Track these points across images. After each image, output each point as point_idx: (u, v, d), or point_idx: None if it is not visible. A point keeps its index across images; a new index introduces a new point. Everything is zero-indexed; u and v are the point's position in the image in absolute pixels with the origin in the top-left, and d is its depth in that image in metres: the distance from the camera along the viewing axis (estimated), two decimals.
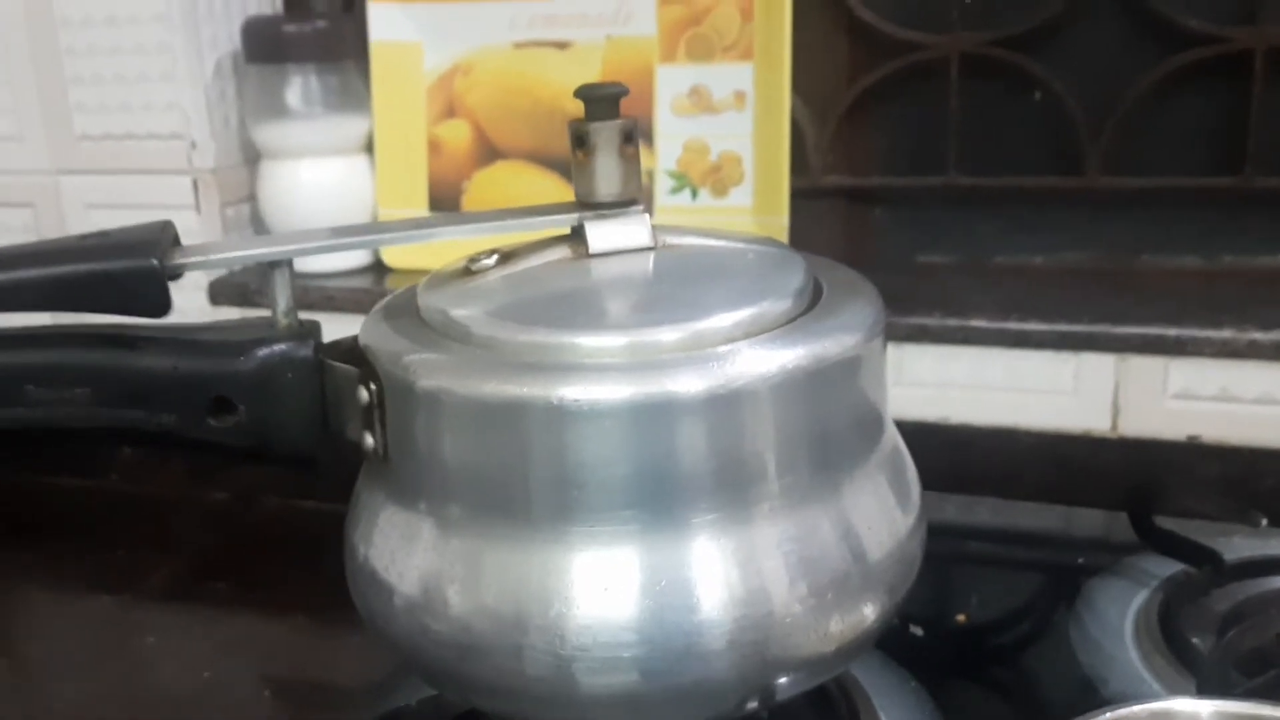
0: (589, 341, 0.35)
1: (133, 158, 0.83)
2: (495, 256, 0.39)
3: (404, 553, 0.37)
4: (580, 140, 0.38)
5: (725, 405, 0.34)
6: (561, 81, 0.81)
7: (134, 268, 0.34)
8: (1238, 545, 0.55)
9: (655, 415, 0.34)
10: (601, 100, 0.37)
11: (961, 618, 0.54)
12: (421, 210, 0.85)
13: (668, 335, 0.35)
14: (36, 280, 0.33)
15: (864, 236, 0.84)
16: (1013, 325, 0.69)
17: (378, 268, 0.83)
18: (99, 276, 0.34)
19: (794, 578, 0.36)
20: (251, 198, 0.85)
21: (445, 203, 0.84)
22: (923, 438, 0.71)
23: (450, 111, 0.83)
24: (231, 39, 0.83)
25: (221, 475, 0.83)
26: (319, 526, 0.77)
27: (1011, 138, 0.78)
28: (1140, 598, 0.53)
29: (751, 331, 0.35)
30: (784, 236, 0.76)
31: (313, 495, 0.80)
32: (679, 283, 0.38)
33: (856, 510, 0.37)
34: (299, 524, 0.79)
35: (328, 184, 0.83)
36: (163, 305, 0.35)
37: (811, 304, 0.37)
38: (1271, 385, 0.64)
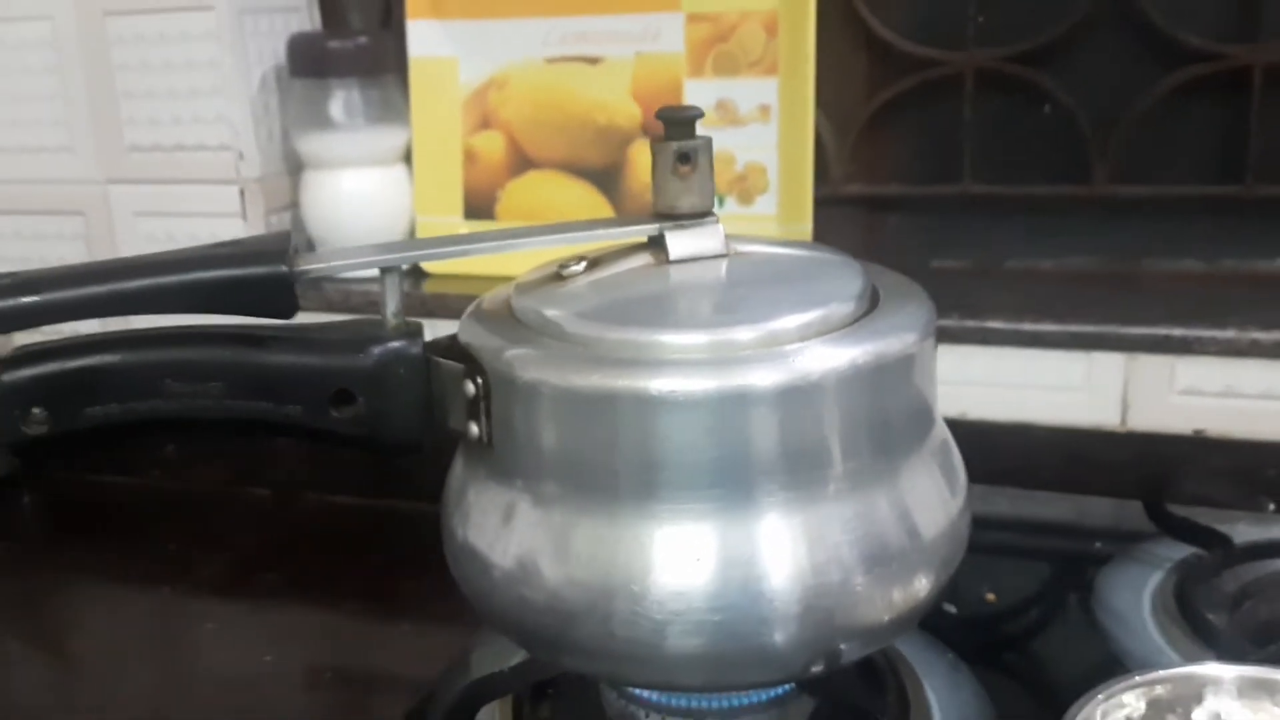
0: (673, 339, 0.39)
1: (182, 168, 0.86)
2: (583, 263, 0.43)
3: (503, 530, 0.41)
4: (685, 157, 0.42)
5: (796, 397, 0.38)
6: (592, 95, 0.85)
7: (267, 274, 0.38)
8: (1245, 530, 0.59)
9: (733, 406, 0.38)
10: (684, 122, 0.41)
11: (991, 597, 0.58)
12: (456, 217, 0.89)
13: (744, 334, 0.39)
14: (178, 286, 0.37)
15: (881, 242, 0.88)
16: (1027, 326, 0.73)
17: (415, 273, 0.87)
18: (234, 282, 0.37)
19: (857, 553, 0.40)
20: (294, 205, 0.89)
21: (480, 210, 0.88)
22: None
23: (485, 123, 0.87)
24: (276, 54, 0.86)
25: (260, 472, 0.86)
26: (358, 520, 0.81)
27: (1023, 148, 0.82)
28: (1155, 579, 0.57)
29: (819, 331, 0.40)
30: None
31: (347, 490, 0.84)
32: (752, 287, 0.42)
33: (912, 492, 0.41)
34: (339, 518, 0.83)
35: (368, 193, 0.87)
36: (291, 307, 0.38)
37: (871, 306, 0.42)
38: (1273, 382, 0.68)
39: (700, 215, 0.42)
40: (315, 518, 0.85)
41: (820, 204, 0.81)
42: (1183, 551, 0.58)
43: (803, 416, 0.39)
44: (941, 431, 0.44)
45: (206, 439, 0.83)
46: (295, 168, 0.88)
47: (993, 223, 0.84)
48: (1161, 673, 0.42)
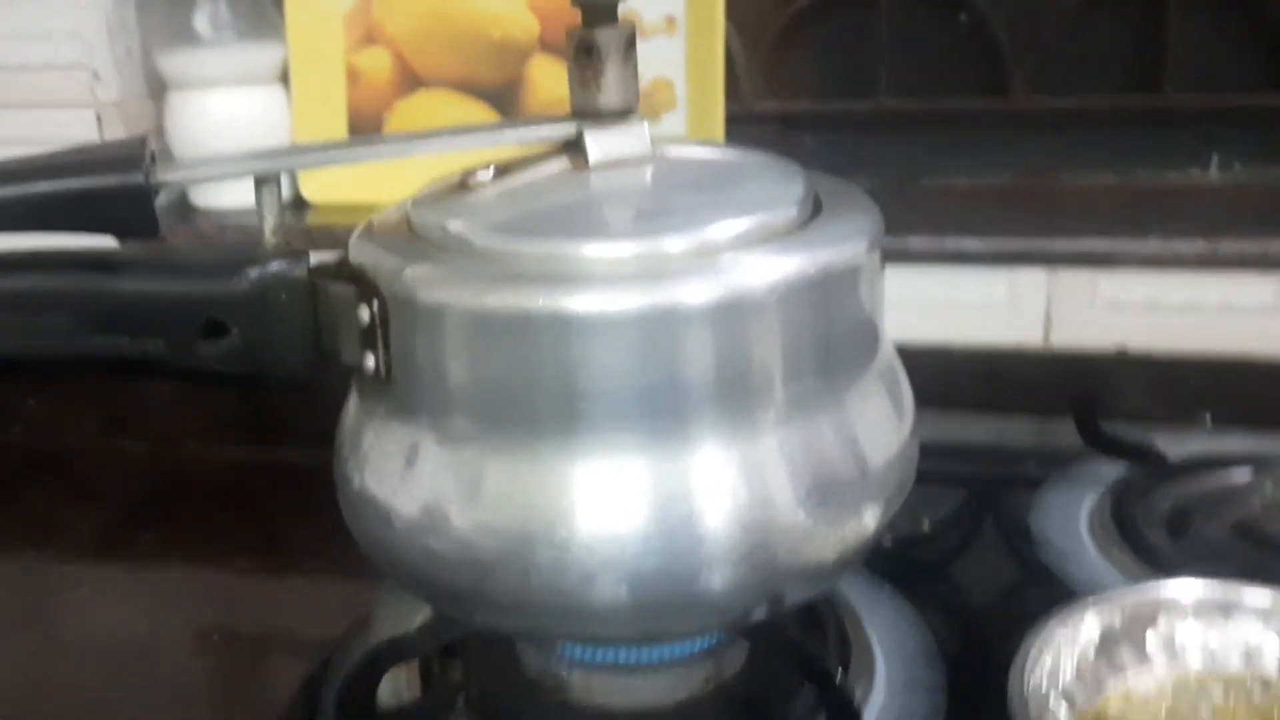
0: (594, 251, 0.34)
1: (31, 91, 0.78)
2: (491, 170, 0.38)
3: (405, 474, 0.36)
4: (588, 49, 0.37)
5: (733, 314, 0.34)
6: (485, 7, 0.79)
7: (120, 184, 0.32)
8: (1178, 446, 0.57)
9: (663, 325, 0.34)
10: (604, 7, 0.36)
11: (925, 526, 0.55)
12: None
13: (674, 244, 0.35)
14: (13, 199, 0.31)
15: (796, 161, 0.84)
16: (950, 244, 0.70)
17: (296, 204, 0.80)
18: (82, 194, 0.32)
19: (799, 485, 0.36)
20: (159, 132, 0.81)
21: (365, 134, 0.82)
22: None
23: (369, 38, 0.80)
24: None
25: (133, 422, 0.80)
26: (243, 471, 0.75)
27: (939, 61, 0.78)
28: (1091, 499, 0.55)
29: (758, 240, 0.35)
30: None
31: (230, 440, 0.78)
32: (682, 192, 0.38)
33: (860, 418, 0.37)
34: (222, 470, 0.77)
35: (240, 116, 0.80)
36: (150, 225, 0.33)
37: (814, 213, 0.37)
38: (1195, 293, 0.67)
39: (622, 114, 0.37)
40: (196, 470, 0.79)
41: (730, 122, 0.77)
42: (1116, 471, 0.57)
43: (740, 335, 0.35)
44: (889, 352, 0.40)
45: (58, 380, 0.76)
46: (159, 90, 0.81)
47: (909, 139, 0.81)
48: (1113, 594, 0.40)
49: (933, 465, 0.68)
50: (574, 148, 0.38)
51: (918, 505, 0.60)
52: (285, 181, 0.80)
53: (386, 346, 0.35)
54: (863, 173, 0.82)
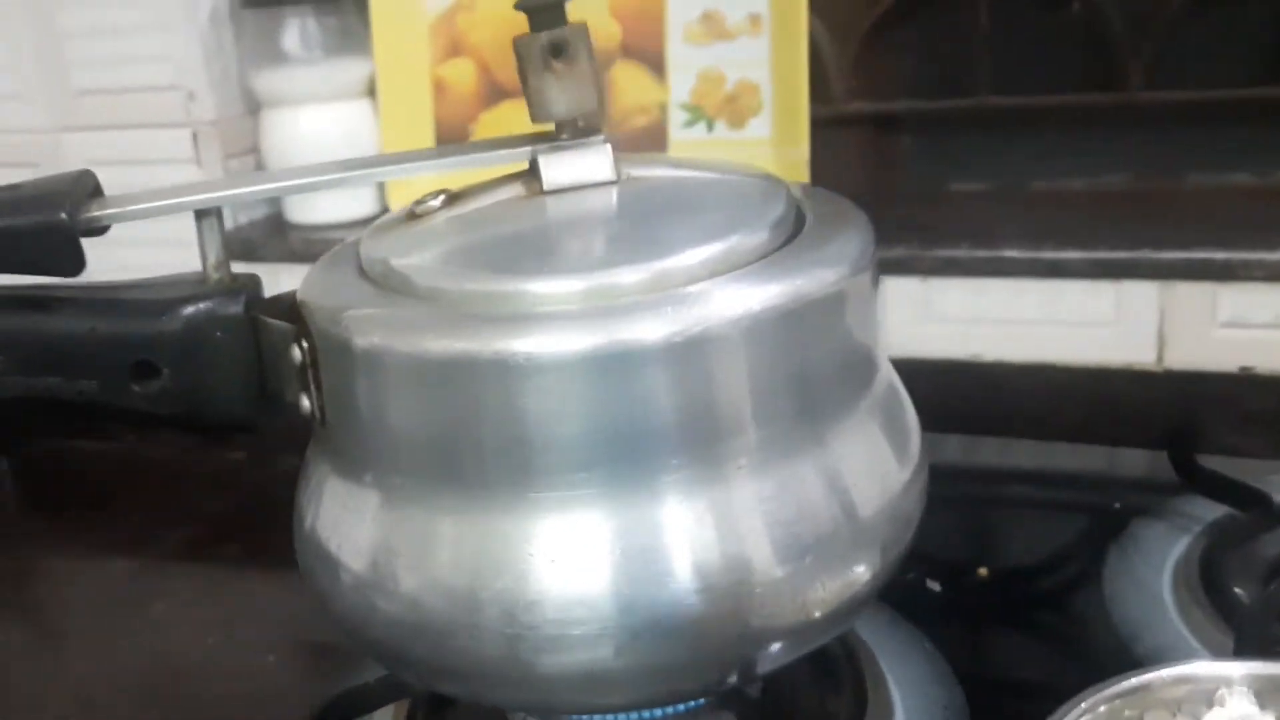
0: (540, 288, 0.32)
1: (132, 112, 0.81)
2: (442, 197, 0.35)
3: (349, 526, 0.34)
4: (556, 49, 0.34)
5: (691, 351, 0.31)
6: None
7: (42, 223, 0.31)
8: None
9: (614, 366, 0.31)
10: (549, 7, 0.33)
11: (983, 571, 0.50)
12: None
13: (627, 277, 0.32)
14: None
15: (891, 165, 0.79)
16: (1047, 254, 0.64)
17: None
18: (4, 234, 0.31)
19: (774, 539, 0.32)
20: (255, 149, 0.83)
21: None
22: (952, 377, 0.68)
23: (454, 50, 0.79)
24: None
25: (238, 438, 0.82)
26: None
27: (1047, 54, 0.72)
28: (1182, 544, 0.49)
29: (721, 269, 0.32)
30: (804, 168, 0.72)
31: None
32: (643, 219, 0.34)
33: (844, 462, 0.33)
34: None
35: (330, 131, 0.81)
36: (75, 263, 0.32)
37: (791, 237, 0.34)
38: None
39: (584, 134, 0.34)
40: (286, 485, 0.80)
41: (821, 125, 0.72)
42: (1218, 511, 0.50)
43: (700, 375, 0.31)
44: (886, 384, 0.36)
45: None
46: (255, 108, 0.82)
47: (1015, 139, 0.75)
48: (1154, 674, 0.34)
49: (1023, 493, 0.63)
50: (531, 172, 0.35)
51: (996, 539, 0.56)
52: (373, 194, 0.81)
53: (320, 389, 0.33)
54: (966, 178, 0.77)
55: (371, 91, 0.81)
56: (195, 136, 0.80)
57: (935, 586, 0.49)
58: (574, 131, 0.34)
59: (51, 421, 0.85)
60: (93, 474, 0.83)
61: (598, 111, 0.34)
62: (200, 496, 0.77)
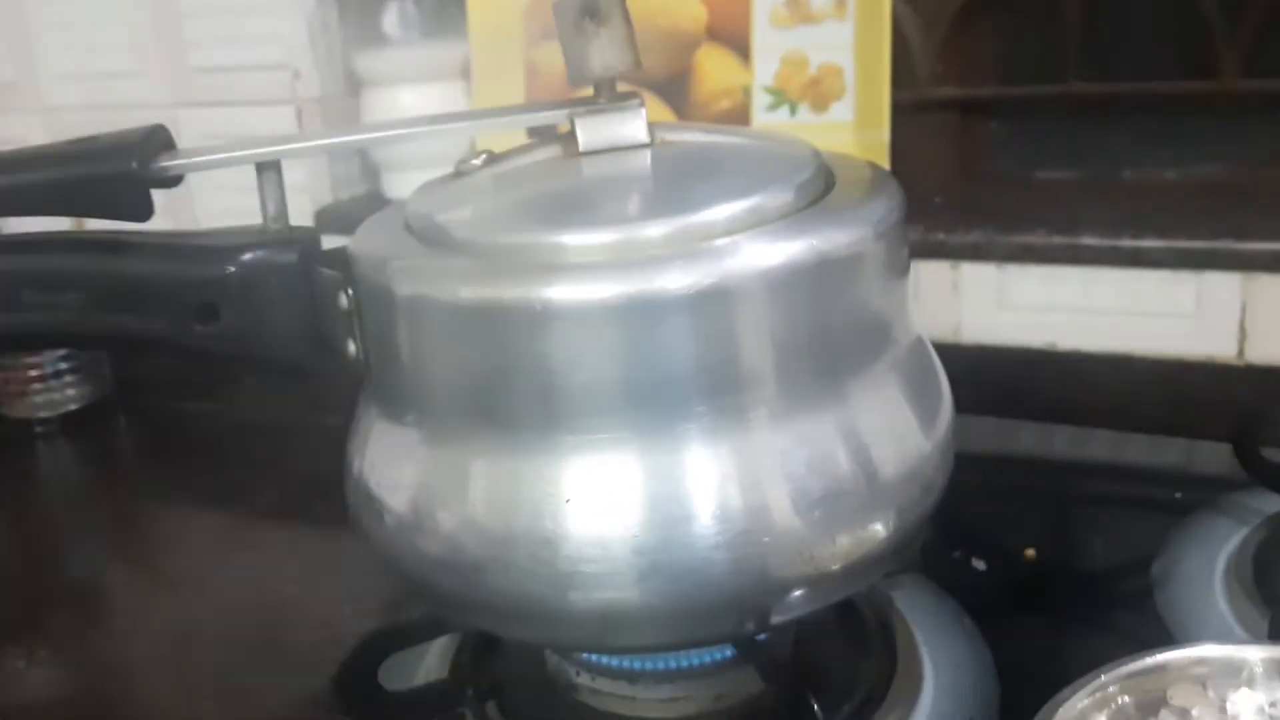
0: (572, 240, 0.33)
1: (242, 89, 0.85)
2: (484, 157, 0.37)
3: (392, 466, 0.36)
4: (589, 10, 0.36)
5: (714, 302, 0.32)
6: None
7: (114, 171, 0.34)
8: None
9: (642, 314, 0.32)
10: None
11: (1030, 553, 0.50)
12: (519, 136, 0.84)
13: (654, 231, 0.33)
14: (23, 186, 0.34)
15: (978, 152, 0.78)
16: (1126, 243, 0.63)
17: None
18: (81, 181, 0.34)
19: (791, 489, 0.33)
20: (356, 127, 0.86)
21: (544, 128, 0.83)
22: (1027, 365, 0.67)
23: (547, 34, 0.81)
24: None
25: (334, 403, 0.85)
26: None
27: (1138, 40, 0.71)
28: (1238, 536, 0.48)
29: (747, 225, 0.33)
30: (885, 152, 0.72)
31: None
32: (673, 179, 0.36)
33: (863, 421, 0.34)
34: None
35: (427, 109, 0.83)
36: (144, 209, 0.34)
37: (818, 199, 0.34)
38: None
39: (620, 99, 0.36)
40: None
41: (907, 109, 0.72)
42: (1278, 505, 0.49)
43: (724, 325, 0.32)
44: (909, 352, 0.37)
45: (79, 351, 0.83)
46: (356, 87, 0.85)
47: (1105, 128, 0.74)
48: (1171, 654, 0.34)
49: (1098, 485, 0.62)
50: (569, 135, 0.37)
51: (1040, 527, 0.55)
52: None
53: (364, 334, 0.35)
54: (1055, 166, 0.76)
55: (466, 73, 0.83)
56: (299, 113, 0.84)
57: (980, 565, 0.49)
58: (611, 95, 0.36)
59: (165, 385, 0.90)
60: (200, 434, 0.87)
61: (631, 70, 0.36)
62: (296, 458, 0.80)
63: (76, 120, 0.92)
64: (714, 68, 0.78)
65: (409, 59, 0.83)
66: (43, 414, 0.87)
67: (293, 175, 0.85)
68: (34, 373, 0.87)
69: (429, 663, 0.44)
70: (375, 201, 0.85)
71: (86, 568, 0.69)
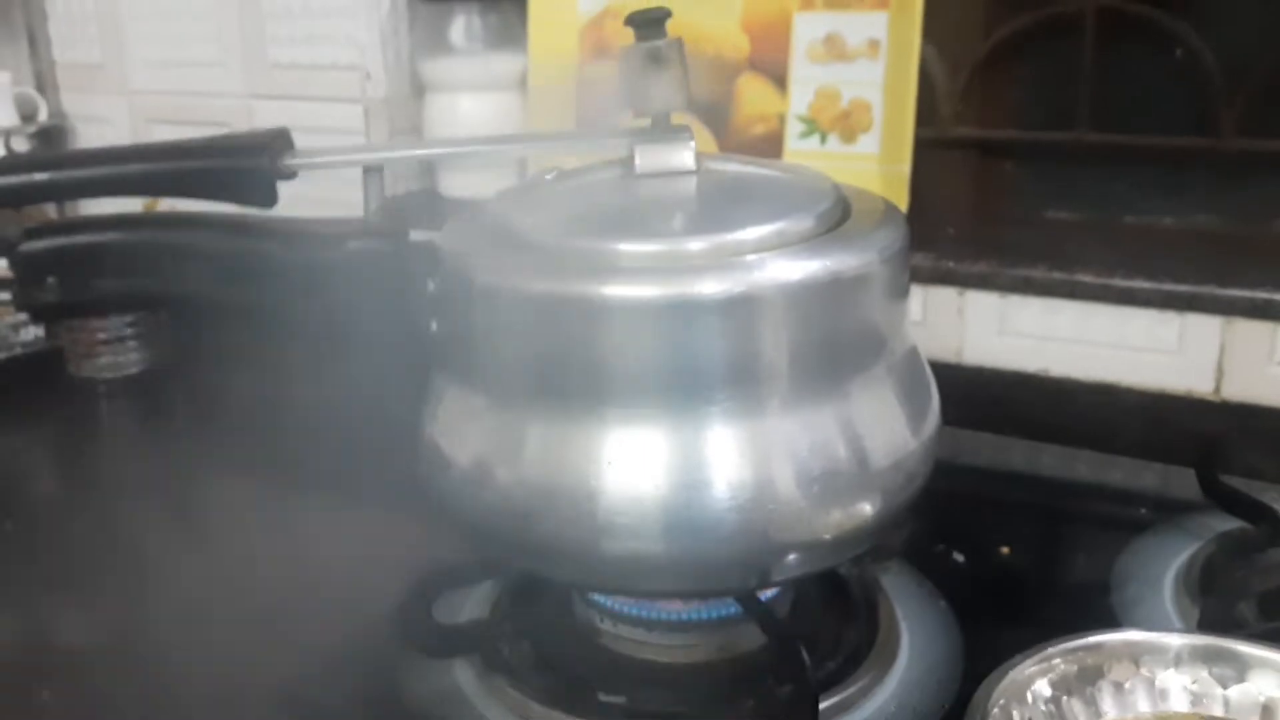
0: (625, 247, 0.40)
1: (316, 85, 0.92)
2: (555, 173, 0.44)
3: (461, 429, 0.43)
4: (654, 57, 0.42)
5: (743, 308, 0.39)
6: (701, 26, 0.84)
7: (247, 165, 0.40)
8: None
9: (680, 314, 0.39)
10: (653, 22, 0.41)
11: (1005, 550, 0.56)
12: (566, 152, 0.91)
13: (694, 245, 0.40)
14: (172, 172, 0.40)
15: (992, 189, 0.84)
16: (1118, 282, 0.69)
17: None
18: (220, 172, 0.40)
19: (794, 467, 0.40)
20: (417, 128, 0.93)
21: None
22: (1021, 388, 0.74)
23: (601, 52, 0.88)
24: None
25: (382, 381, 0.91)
26: None
27: (1146, 96, 0.77)
28: (1192, 548, 0.54)
29: (773, 245, 0.39)
30: (905, 184, 0.78)
31: None
32: (713, 202, 0.42)
33: (859, 415, 0.41)
34: None
35: (484, 117, 0.90)
36: (270, 198, 0.41)
37: (834, 227, 0.41)
38: None
39: (674, 131, 0.42)
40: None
41: (929, 146, 0.78)
42: (1230, 525, 0.55)
43: (747, 328, 0.39)
44: (904, 362, 0.43)
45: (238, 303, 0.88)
46: (420, 91, 0.92)
47: (1113, 174, 0.79)
48: (1105, 636, 0.40)
49: (1071, 504, 0.68)
50: (627, 158, 0.43)
51: (1020, 534, 0.61)
52: (514, 173, 0.90)
53: (446, 315, 0.42)
54: (1062, 207, 0.82)
55: (523, 84, 0.90)
56: (366, 112, 0.90)
57: (959, 558, 0.55)
58: (665, 126, 0.42)
59: (220, 354, 0.96)
60: (252, 403, 0.93)
61: (684, 109, 0.42)
62: (342, 429, 0.86)
63: (158, 104, 1.00)
64: (753, 95, 0.84)
65: (471, 68, 0.89)
66: (106, 375, 0.93)
67: (356, 172, 0.92)
68: (101, 335, 0.93)
69: (471, 605, 0.51)
70: (430, 197, 0.92)
71: (141, 519, 0.73)
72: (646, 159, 0.43)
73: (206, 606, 0.61)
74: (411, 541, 0.68)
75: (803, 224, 0.40)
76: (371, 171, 0.42)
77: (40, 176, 0.40)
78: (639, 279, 0.39)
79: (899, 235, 0.41)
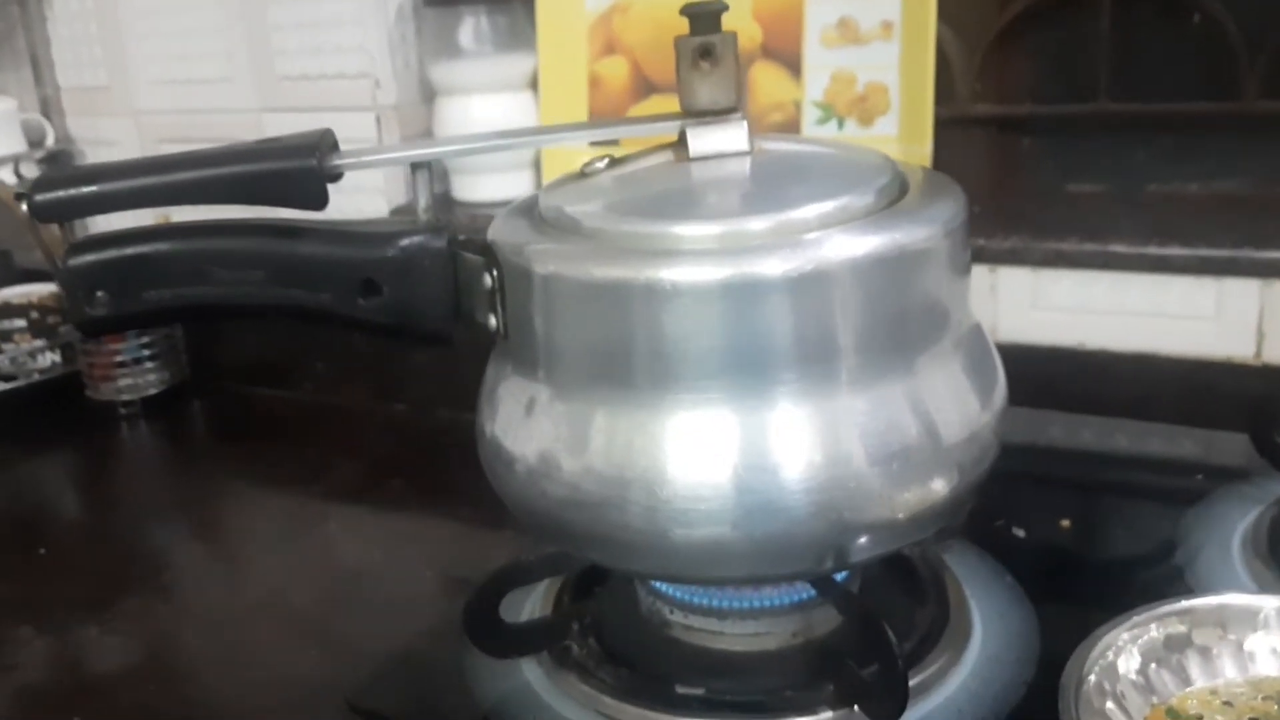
0: (684, 230, 0.39)
1: (324, 96, 0.91)
2: (606, 161, 0.43)
3: (525, 423, 0.42)
4: (706, 51, 0.42)
5: (804, 287, 0.38)
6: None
7: (298, 168, 0.40)
8: None
9: (745, 295, 0.38)
10: (707, 16, 0.41)
11: (1065, 523, 0.56)
12: (583, 144, 0.90)
13: (755, 225, 0.39)
14: (220, 178, 0.40)
15: (1013, 165, 0.84)
16: (1153, 250, 0.69)
17: None
18: (270, 175, 0.40)
19: (866, 446, 0.39)
20: (429, 133, 0.92)
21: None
22: (1058, 362, 0.73)
23: (609, 49, 0.87)
24: None
25: (400, 389, 0.91)
26: None
27: (1166, 62, 0.76)
28: (1253, 514, 0.53)
29: (833, 222, 0.39)
30: (927, 164, 0.77)
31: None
32: (771, 181, 0.42)
33: (929, 390, 0.40)
34: (466, 432, 0.86)
35: (495, 119, 0.89)
36: (321, 200, 0.41)
37: (894, 202, 0.40)
38: None
39: (723, 111, 0.42)
40: (446, 431, 0.88)
41: (946, 125, 0.78)
42: None
43: (813, 306, 0.38)
44: (969, 335, 0.42)
45: (252, 322, 0.88)
46: (430, 96, 0.92)
47: (1133, 144, 0.79)
48: (1197, 601, 0.40)
49: (1117, 475, 0.68)
50: (680, 143, 0.43)
51: (1071, 505, 0.61)
52: (529, 178, 0.90)
53: (505, 309, 0.41)
54: (1084, 179, 0.81)
55: (534, 84, 0.89)
56: (378, 119, 0.90)
57: (1020, 533, 0.54)
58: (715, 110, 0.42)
59: (238, 371, 0.96)
60: (271, 418, 0.93)
61: (735, 107, 0.42)
62: (368, 440, 0.86)
63: (166, 123, 0.99)
64: (767, 82, 0.84)
65: (481, 70, 0.89)
66: (125, 397, 0.93)
67: (371, 178, 0.92)
68: (118, 358, 0.93)
69: (533, 603, 0.50)
70: (444, 202, 0.92)
71: (170, 537, 0.74)
72: (699, 142, 0.42)
73: (247, 620, 0.61)
74: (454, 552, 0.68)
75: (864, 199, 0.40)
76: (420, 168, 0.42)
77: (87, 190, 0.39)
78: (702, 261, 0.38)
79: (960, 208, 0.41)
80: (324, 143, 0.41)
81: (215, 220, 0.42)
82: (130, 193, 0.39)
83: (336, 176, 0.41)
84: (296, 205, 0.40)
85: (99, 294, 0.41)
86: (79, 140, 1.04)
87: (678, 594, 0.46)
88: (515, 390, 0.43)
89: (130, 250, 0.41)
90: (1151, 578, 0.52)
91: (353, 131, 0.90)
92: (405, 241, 0.41)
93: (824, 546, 0.40)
